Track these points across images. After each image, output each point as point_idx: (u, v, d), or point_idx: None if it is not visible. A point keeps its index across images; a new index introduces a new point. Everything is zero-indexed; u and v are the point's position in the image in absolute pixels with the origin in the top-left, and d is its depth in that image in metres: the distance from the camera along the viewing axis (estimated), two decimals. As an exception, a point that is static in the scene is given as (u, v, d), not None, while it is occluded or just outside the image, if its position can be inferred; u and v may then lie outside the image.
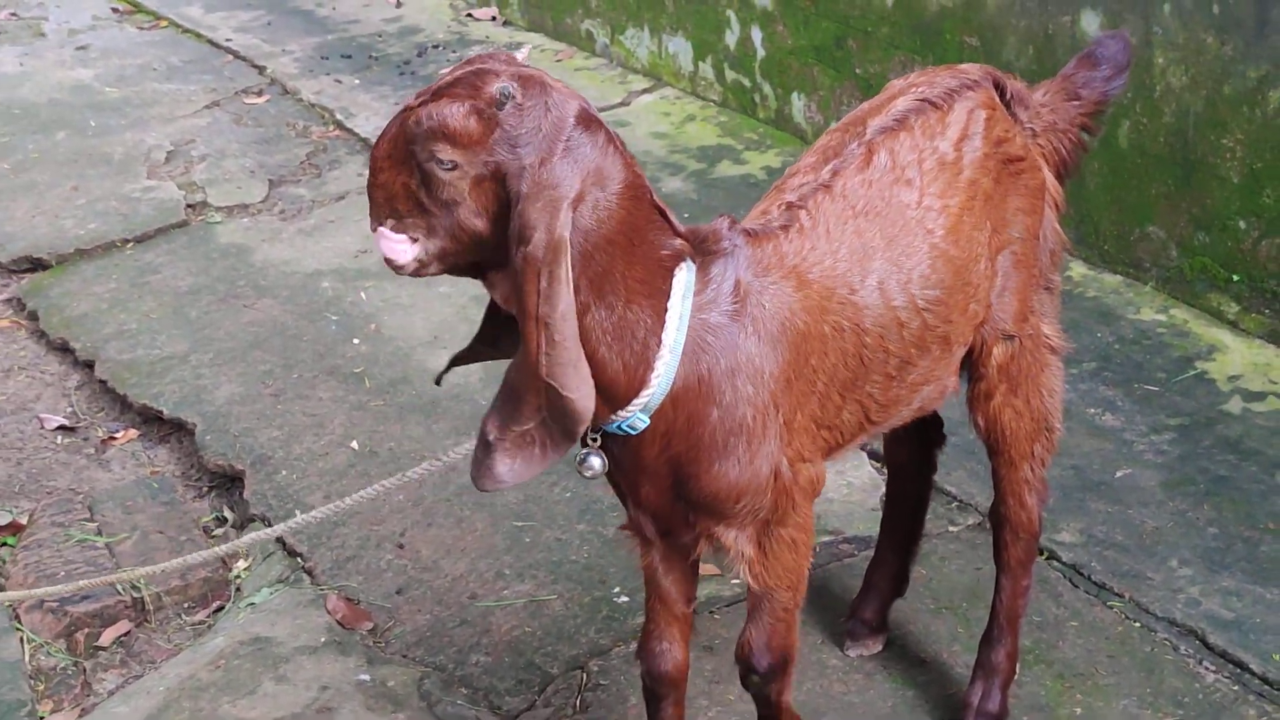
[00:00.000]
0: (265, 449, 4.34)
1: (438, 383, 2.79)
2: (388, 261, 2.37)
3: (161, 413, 4.58)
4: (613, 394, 2.43)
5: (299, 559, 3.91)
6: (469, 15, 7.84)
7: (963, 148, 2.79)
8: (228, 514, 4.21)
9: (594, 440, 2.54)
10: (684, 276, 2.44)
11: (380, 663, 3.55)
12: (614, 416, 2.47)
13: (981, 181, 2.81)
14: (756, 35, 6.12)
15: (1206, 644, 3.43)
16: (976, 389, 3.02)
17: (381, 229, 2.36)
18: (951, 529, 3.84)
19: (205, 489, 4.34)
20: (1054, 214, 3.01)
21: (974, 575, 3.67)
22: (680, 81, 6.67)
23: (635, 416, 2.45)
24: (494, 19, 7.76)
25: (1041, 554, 3.72)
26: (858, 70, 5.63)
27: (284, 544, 3.96)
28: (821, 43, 5.80)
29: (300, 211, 5.83)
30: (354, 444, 4.34)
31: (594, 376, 2.35)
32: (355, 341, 4.89)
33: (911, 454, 3.38)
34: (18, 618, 3.79)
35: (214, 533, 4.15)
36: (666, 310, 2.42)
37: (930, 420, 3.23)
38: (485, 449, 2.44)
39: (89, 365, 4.88)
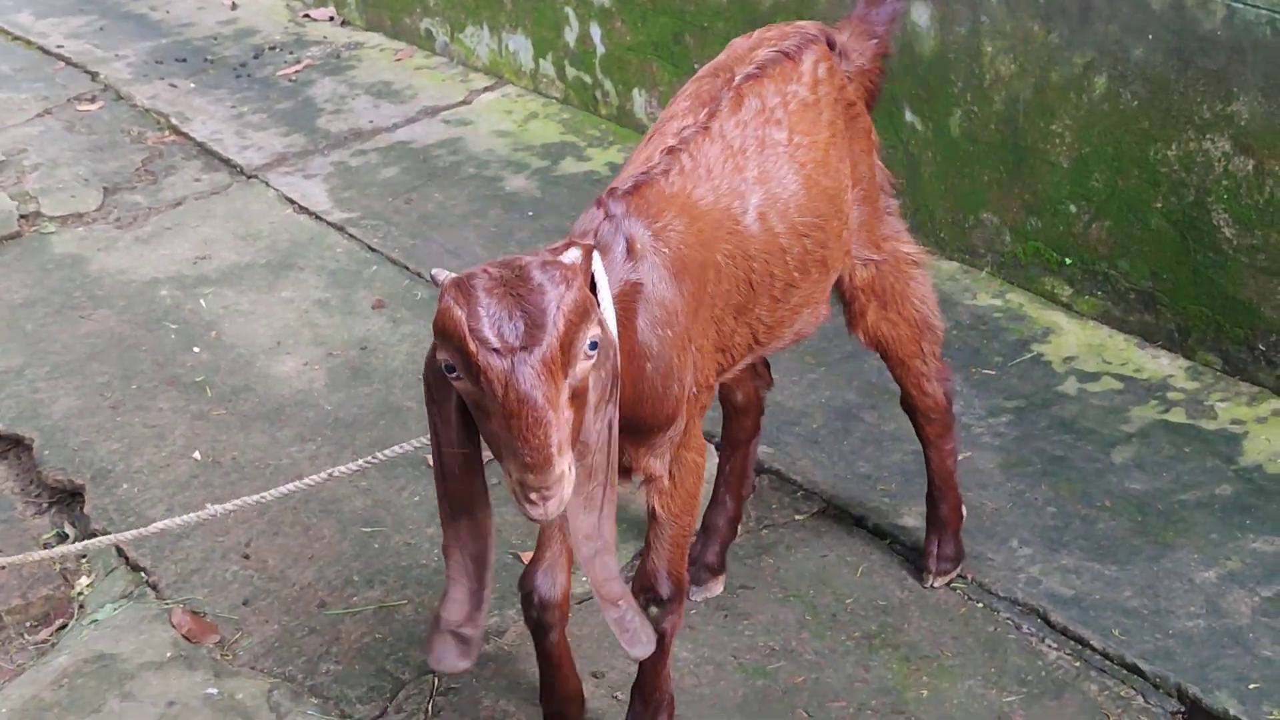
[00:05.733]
0: (105, 462, 4.26)
1: None
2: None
3: (-3, 428, 4.49)
4: None
5: (143, 574, 3.84)
6: (306, 16, 7.75)
7: (818, 91, 3.09)
8: (69, 529, 4.12)
9: None
10: (596, 262, 2.54)
11: (228, 675, 3.50)
12: None
13: (837, 122, 3.12)
14: (595, 32, 6.12)
15: (1048, 622, 3.50)
16: (851, 311, 3.33)
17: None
18: (797, 518, 3.87)
19: (45, 505, 4.24)
20: (876, 152, 3.33)
21: (820, 562, 3.71)
22: (521, 79, 6.66)
23: None
24: (331, 19, 7.67)
25: (885, 538, 3.78)
26: (696, 65, 5.65)
27: (127, 558, 3.89)
28: (659, 38, 5.82)
29: (136, 219, 5.72)
30: (196, 454, 4.27)
31: None
32: (195, 350, 4.81)
33: (746, 395, 3.64)
34: None
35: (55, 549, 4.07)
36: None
37: (763, 363, 3.56)
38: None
39: (-81, 383, 4.76)
